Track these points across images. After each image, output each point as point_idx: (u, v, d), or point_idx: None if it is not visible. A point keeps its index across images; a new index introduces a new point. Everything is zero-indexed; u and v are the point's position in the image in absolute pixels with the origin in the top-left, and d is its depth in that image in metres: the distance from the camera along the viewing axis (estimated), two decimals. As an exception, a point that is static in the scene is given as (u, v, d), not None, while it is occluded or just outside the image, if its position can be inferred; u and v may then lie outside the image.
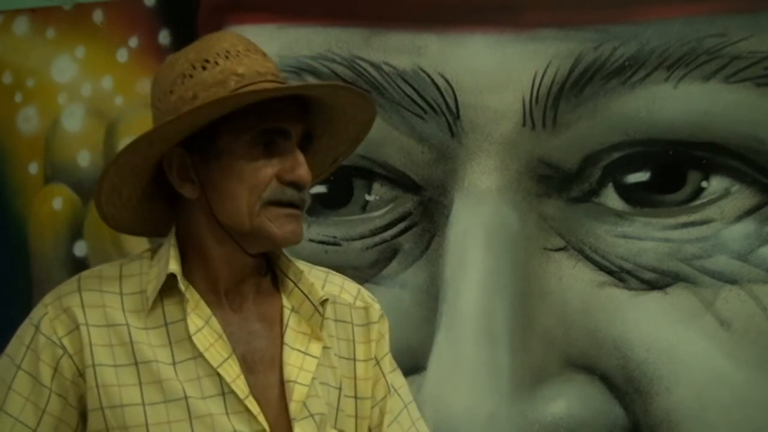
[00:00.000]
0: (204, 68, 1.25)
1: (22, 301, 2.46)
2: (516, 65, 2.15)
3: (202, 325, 1.25)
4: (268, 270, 1.34)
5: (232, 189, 1.24)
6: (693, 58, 2.04)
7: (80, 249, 2.53)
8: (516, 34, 2.16)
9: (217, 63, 1.25)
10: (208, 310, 1.26)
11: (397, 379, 1.41)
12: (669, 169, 2.08)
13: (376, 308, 1.40)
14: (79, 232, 2.53)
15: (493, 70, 2.17)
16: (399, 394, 1.40)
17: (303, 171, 1.24)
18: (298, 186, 1.25)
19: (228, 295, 1.29)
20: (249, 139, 1.23)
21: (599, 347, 2.10)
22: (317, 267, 1.40)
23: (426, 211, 2.23)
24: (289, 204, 1.25)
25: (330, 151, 1.38)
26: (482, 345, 2.16)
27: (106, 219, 1.32)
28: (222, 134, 1.24)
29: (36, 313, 1.28)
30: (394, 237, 2.26)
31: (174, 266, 1.25)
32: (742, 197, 2.03)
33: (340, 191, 2.28)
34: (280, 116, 1.24)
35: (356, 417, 1.35)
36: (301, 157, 1.25)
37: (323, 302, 1.31)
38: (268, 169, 1.24)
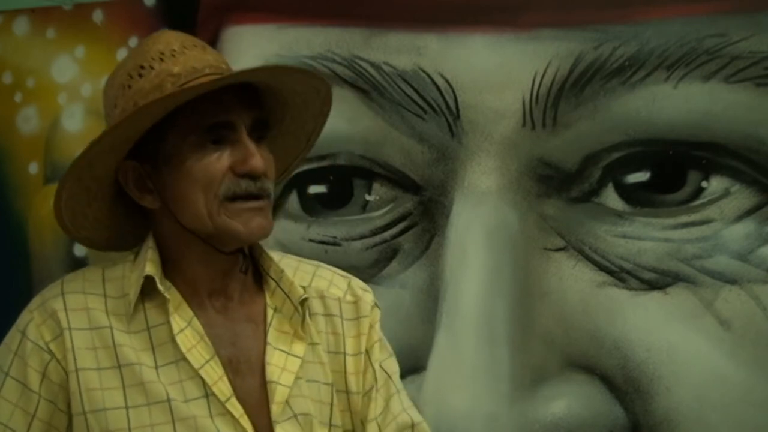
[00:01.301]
0: (141, 75, 1.23)
1: (22, 301, 2.45)
2: (516, 65, 2.15)
3: (185, 326, 1.24)
4: (252, 266, 1.32)
5: (187, 192, 1.22)
6: (693, 58, 2.04)
7: (80, 249, 2.53)
8: (516, 34, 2.16)
9: (152, 67, 1.23)
10: (190, 312, 1.25)
11: (390, 365, 1.39)
12: (669, 169, 2.08)
13: (367, 300, 1.38)
14: (79, 232, 2.53)
15: (493, 70, 2.17)
16: (392, 380, 1.38)
17: (255, 160, 1.21)
18: (252, 176, 1.22)
19: (212, 297, 1.28)
20: (195, 139, 1.21)
21: (599, 347, 2.10)
22: (307, 261, 1.39)
23: (426, 211, 2.23)
24: (248, 196, 1.22)
25: (299, 131, 1.36)
26: (482, 345, 2.15)
27: (83, 242, 1.32)
28: (167, 138, 1.22)
29: (22, 319, 1.27)
30: (394, 237, 2.26)
31: (150, 268, 1.24)
32: (742, 197, 2.03)
33: (340, 191, 2.28)
34: (222, 109, 1.21)
35: (350, 411, 1.34)
36: (251, 147, 1.22)
37: (302, 302, 1.29)
38: (220, 165, 1.21)
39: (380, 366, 1.37)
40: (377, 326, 1.38)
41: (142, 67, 1.23)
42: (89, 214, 1.28)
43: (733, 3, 2.03)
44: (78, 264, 2.49)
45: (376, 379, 1.36)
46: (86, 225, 1.29)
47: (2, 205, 2.62)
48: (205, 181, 1.21)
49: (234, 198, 1.22)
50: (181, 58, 1.23)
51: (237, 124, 1.22)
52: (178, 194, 1.23)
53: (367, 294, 1.39)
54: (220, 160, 1.21)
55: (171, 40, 1.26)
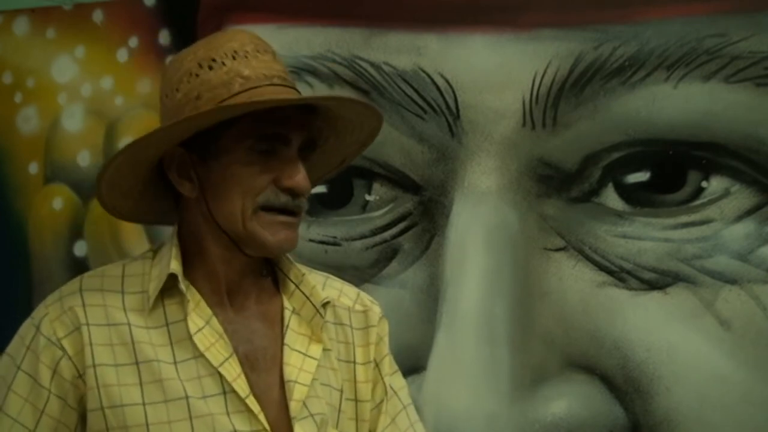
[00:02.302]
0: (210, 68, 1.25)
1: (22, 301, 2.46)
2: (516, 65, 2.15)
3: (203, 324, 1.25)
4: (270, 270, 1.34)
5: (227, 191, 1.24)
6: (693, 58, 2.04)
7: (80, 249, 2.53)
8: (516, 34, 2.16)
9: (224, 63, 1.24)
10: (209, 310, 1.26)
11: (397, 380, 1.41)
12: (669, 169, 2.08)
13: (376, 311, 1.40)
14: (79, 232, 2.53)
15: (493, 70, 2.17)
16: (398, 396, 1.40)
17: (301, 179, 1.24)
18: (294, 193, 1.24)
19: (230, 293, 1.29)
20: (249, 144, 1.23)
21: (599, 347, 2.10)
22: (316, 271, 1.40)
23: (426, 211, 2.23)
24: (283, 210, 1.24)
25: (337, 152, 1.38)
26: (482, 345, 2.16)
27: (109, 209, 1.32)
28: (223, 136, 1.24)
29: (37, 313, 1.28)
30: (394, 237, 2.26)
31: (175, 266, 1.25)
32: (742, 197, 2.03)
33: (340, 191, 2.28)
34: (282, 123, 1.24)
35: (357, 420, 1.35)
36: (300, 166, 1.24)
37: (324, 304, 1.31)
38: (265, 175, 1.23)
39: (388, 381, 1.39)
40: (386, 339, 1.41)
41: (214, 60, 1.25)
42: (123, 186, 1.29)
43: (733, 3, 2.03)
44: (78, 264, 2.50)
45: (386, 393, 1.38)
46: (118, 196, 1.30)
47: (2, 205, 2.62)
48: (247, 185, 1.23)
49: (269, 209, 1.24)
50: (253, 62, 1.25)
51: (292, 141, 1.25)
52: (218, 189, 1.25)
53: (375, 306, 1.41)
54: (266, 170, 1.24)
55: (246, 40, 1.27)
